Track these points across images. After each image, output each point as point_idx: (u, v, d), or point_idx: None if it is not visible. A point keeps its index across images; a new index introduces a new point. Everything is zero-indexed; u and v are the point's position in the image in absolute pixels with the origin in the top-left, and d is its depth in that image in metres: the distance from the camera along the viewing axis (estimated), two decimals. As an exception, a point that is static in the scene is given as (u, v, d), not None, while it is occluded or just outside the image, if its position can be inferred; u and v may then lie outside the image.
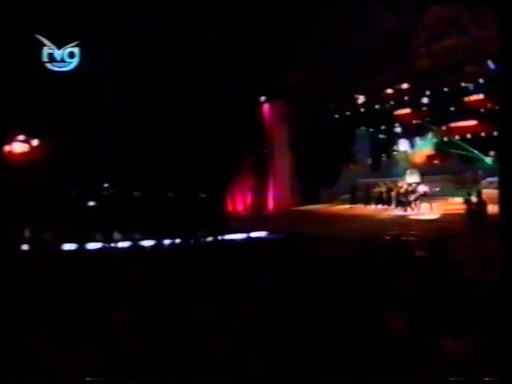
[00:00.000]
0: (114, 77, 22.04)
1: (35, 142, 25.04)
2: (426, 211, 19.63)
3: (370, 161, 28.46)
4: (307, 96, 23.79)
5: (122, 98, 23.02)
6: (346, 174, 27.03)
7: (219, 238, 15.64)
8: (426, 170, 23.74)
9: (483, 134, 22.89)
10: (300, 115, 24.86)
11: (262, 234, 17.77)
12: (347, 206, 23.50)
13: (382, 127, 27.52)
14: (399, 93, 22.56)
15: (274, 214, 25.46)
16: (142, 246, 13.55)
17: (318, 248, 10.00)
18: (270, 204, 26.58)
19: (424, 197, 20.42)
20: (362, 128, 27.80)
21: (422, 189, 20.58)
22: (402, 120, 25.97)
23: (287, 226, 17.13)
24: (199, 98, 23.92)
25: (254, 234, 17.22)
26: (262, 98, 26.91)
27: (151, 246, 14.16)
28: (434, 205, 20.17)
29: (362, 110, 24.98)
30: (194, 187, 28.78)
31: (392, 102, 23.97)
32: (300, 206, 25.26)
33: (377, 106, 24.28)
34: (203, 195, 30.15)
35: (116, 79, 22.21)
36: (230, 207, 27.80)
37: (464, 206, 16.96)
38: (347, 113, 25.29)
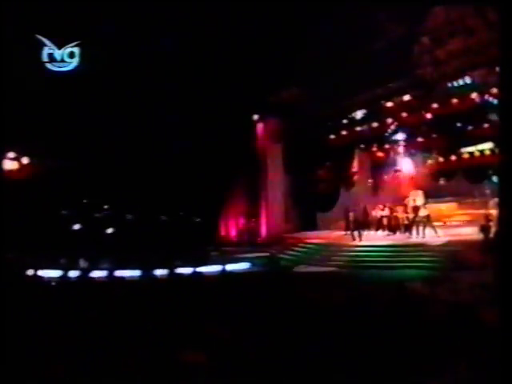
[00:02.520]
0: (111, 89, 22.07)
1: (25, 160, 24.42)
2: (431, 237, 17.81)
3: (370, 182, 26.76)
4: (303, 113, 22.44)
5: (116, 117, 22.42)
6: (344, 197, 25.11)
7: (188, 272, 13.93)
8: (431, 191, 22.00)
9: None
10: (295, 134, 23.35)
11: (241, 266, 16.00)
12: (342, 233, 21.18)
13: (383, 146, 26.01)
14: (400, 106, 20.92)
15: (266, 240, 23.70)
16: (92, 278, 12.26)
17: (304, 289, 8.25)
18: (263, 230, 24.81)
19: (428, 220, 18.56)
20: (362, 146, 26.23)
21: (426, 212, 18.76)
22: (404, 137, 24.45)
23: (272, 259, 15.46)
24: (193, 118, 23.24)
25: (230, 267, 15.42)
26: (255, 117, 25.38)
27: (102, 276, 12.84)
28: (439, 229, 18.38)
29: (361, 128, 23.42)
30: (186, 211, 27.89)
31: (391, 120, 22.37)
32: (295, 232, 23.39)
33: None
34: (197, 219, 29.11)
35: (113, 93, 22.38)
36: (222, 232, 26.33)
37: (479, 235, 14.91)
38: (344, 132, 23.71)
